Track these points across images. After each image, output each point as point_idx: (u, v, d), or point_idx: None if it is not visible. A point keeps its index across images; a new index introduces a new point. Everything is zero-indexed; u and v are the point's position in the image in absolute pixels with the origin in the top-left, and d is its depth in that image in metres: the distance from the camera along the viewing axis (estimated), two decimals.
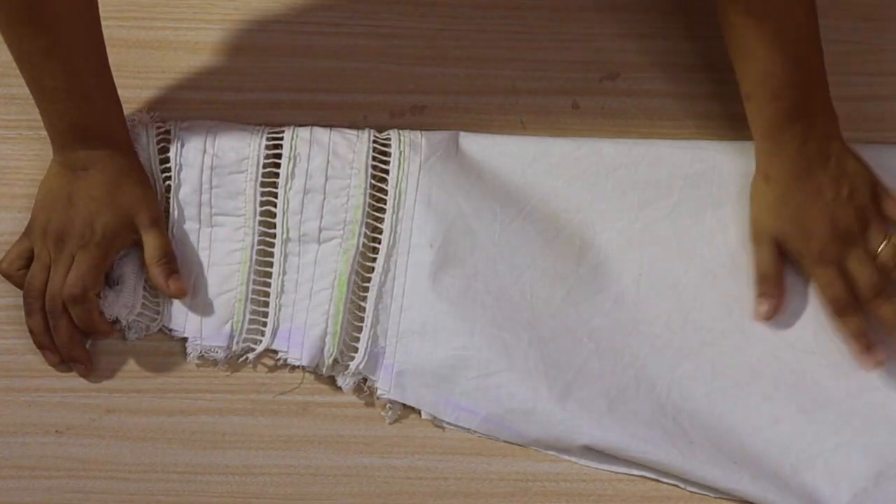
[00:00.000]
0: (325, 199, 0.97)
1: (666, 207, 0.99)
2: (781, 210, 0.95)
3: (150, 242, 0.95)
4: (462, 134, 1.00)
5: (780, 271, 0.96)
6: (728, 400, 0.94)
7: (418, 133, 1.00)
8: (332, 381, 0.95)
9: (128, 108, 0.99)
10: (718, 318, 0.96)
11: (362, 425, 0.95)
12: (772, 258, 0.96)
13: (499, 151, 1.00)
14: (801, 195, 0.94)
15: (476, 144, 1.00)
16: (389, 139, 0.99)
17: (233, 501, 0.93)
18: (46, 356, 0.95)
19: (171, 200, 0.97)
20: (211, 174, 0.97)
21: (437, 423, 0.94)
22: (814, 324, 0.96)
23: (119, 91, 0.96)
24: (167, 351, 0.96)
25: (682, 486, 0.93)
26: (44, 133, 0.95)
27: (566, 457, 0.93)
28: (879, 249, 0.95)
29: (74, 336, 0.94)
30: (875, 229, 0.95)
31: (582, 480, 0.93)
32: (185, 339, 0.96)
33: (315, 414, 0.95)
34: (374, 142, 0.99)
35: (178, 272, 0.96)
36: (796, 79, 0.93)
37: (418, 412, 0.95)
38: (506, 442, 0.94)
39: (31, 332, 0.95)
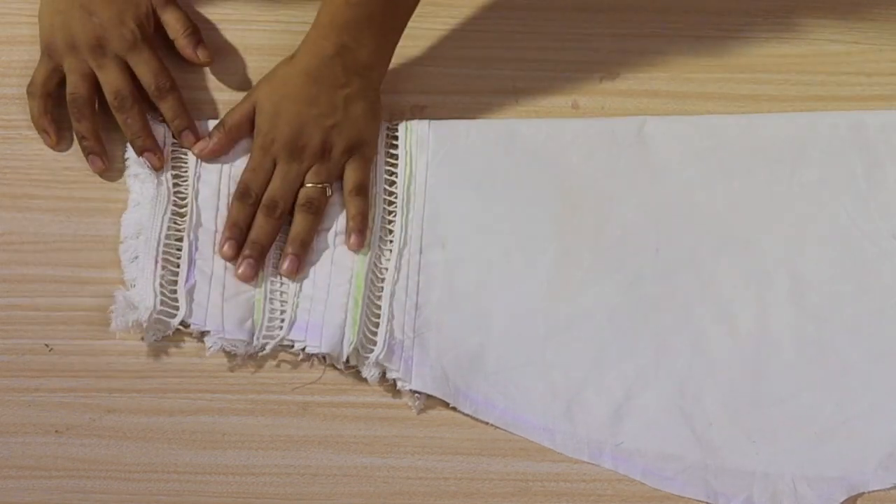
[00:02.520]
0: (339, 210, 0.98)
1: (678, 182, 1.00)
2: (275, 87, 0.97)
3: (170, 19, 1.01)
4: (471, 122, 1.01)
5: (238, 129, 0.98)
6: (750, 372, 0.95)
7: (426, 125, 1.00)
8: (332, 381, 0.95)
9: None
10: (737, 289, 0.97)
11: (362, 425, 0.95)
12: (241, 117, 0.98)
13: (511, 133, 1.00)
14: (298, 89, 0.97)
15: (487, 130, 1.00)
16: (398, 136, 1.00)
17: (233, 501, 0.93)
18: (94, 162, 0.99)
19: (190, 204, 0.98)
20: (229, 179, 0.99)
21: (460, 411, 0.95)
22: (832, 293, 0.97)
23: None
24: (167, 351, 0.96)
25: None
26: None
27: (583, 457, 0.94)
28: (308, 183, 0.97)
29: (146, 125, 0.99)
30: (323, 169, 0.97)
31: (582, 480, 0.93)
32: (183, 340, 0.96)
33: (315, 414, 0.95)
34: (385, 141, 1.00)
35: (203, 41, 1.01)
36: (379, 6, 0.95)
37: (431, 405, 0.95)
38: (519, 437, 0.94)
39: (82, 137, 0.98)
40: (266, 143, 0.97)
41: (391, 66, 1.02)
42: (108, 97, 0.98)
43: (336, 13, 0.95)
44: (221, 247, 0.96)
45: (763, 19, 1.04)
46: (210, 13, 1.04)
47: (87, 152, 0.99)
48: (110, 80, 0.98)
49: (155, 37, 1.00)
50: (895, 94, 1.03)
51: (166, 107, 0.99)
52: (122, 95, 0.98)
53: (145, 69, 0.98)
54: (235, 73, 1.02)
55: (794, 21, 1.04)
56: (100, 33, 0.97)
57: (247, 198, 0.97)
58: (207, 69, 1.03)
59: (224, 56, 1.03)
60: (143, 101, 0.99)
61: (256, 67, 1.02)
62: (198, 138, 0.99)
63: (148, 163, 0.98)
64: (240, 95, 1.01)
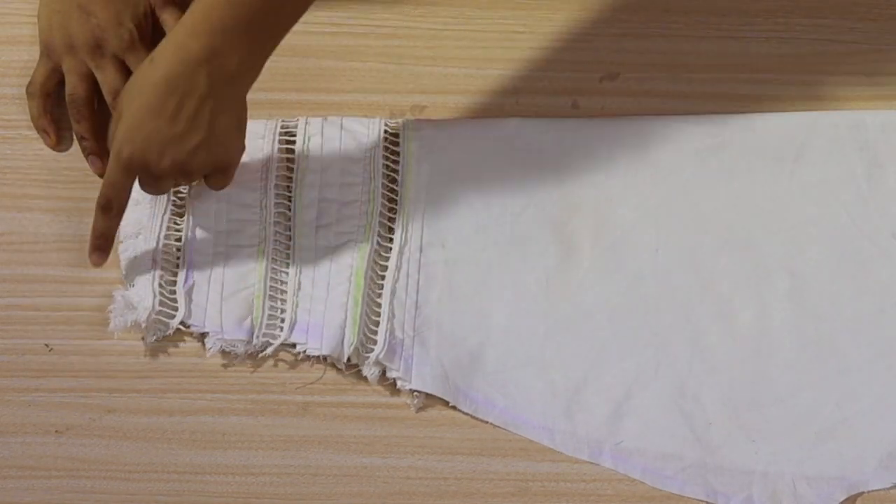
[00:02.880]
0: (339, 207, 0.98)
1: (679, 182, 1.00)
2: (133, 96, 0.89)
3: (169, 19, 1.00)
4: (473, 121, 1.00)
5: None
6: (749, 370, 0.95)
7: (427, 124, 1.00)
8: (332, 381, 0.95)
9: None
10: (737, 288, 0.97)
11: (362, 425, 0.95)
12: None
13: (511, 133, 1.00)
14: (157, 100, 0.87)
15: (487, 130, 1.00)
16: (398, 134, 1.00)
17: (233, 501, 0.93)
18: (94, 163, 0.98)
19: (187, 202, 0.98)
20: None
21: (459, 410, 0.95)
22: (832, 292, 0.97)
23: None
24: (167, 351, 0.96)
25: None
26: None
27: (583, 457, 0.94)
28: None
29: None
30: (185, 185, 0.95)
31: (582, 480, 0.93)
32: (182, 340, 0.96)
33: (315, 414, 0.95)
34: (385, 139, 1.00)
35: None
36: (261, 6, 0.85)
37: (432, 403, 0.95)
38: (519, 437, 0.94)
39: (81, 138, 0.98)
40: (125, 162, 0.90)
41: (391, 66, 1.02)
42: (107, 97, 0.98)
43: (210, 12, 0.86)
44: (90, 256, 0.93)
45: (763, 19, 1.04)
46: None
47: (87, 153, 0.99)
48: (108, 81, 0.98)
49: (154, 37, 1.00)
50: (895, 94, 1.03)
51: None
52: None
53: None
54: None
55: (794, 21, 1.04)
56: (98, 34, 0.97)
57: (109, 211, 0.92)
58: None
59: None
60: None
61: None
62: None
63: None
64: None
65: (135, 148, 0.89)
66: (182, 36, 0.86)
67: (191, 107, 0.87)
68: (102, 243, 0.93)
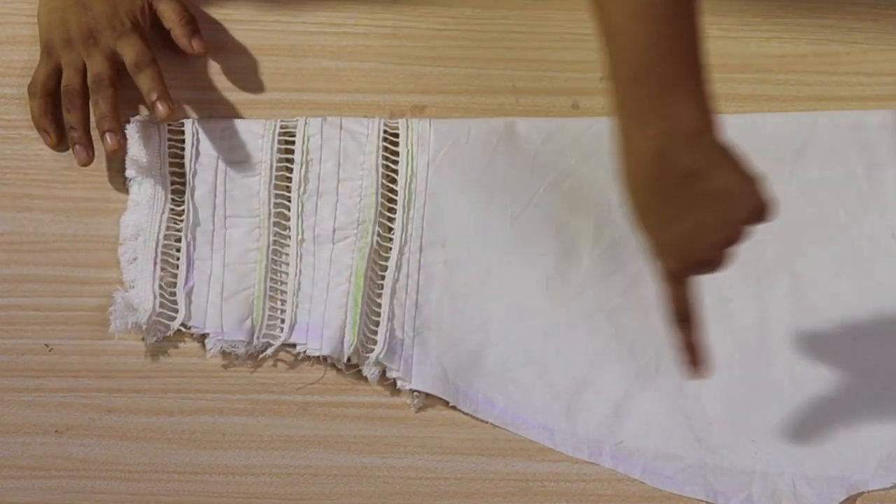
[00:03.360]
0: (338, 200, 0.98)
1: None
2: (629, 206, 0.81)
3: (166, 9, 1.00)
4: (472, 121, 1.00)
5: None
6: (749, 370, 0.95)
7: (427, 123, 1.00)
8: (332, 381, 0.95)
9: (128, 109, 0.99)
10: (736, 288, 0.97)
11: (362, 425, 0.95)
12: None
13: (511, 133, 1.00)
14: (647, 209, 0.80)
15: (487, 130, 1.00)
16: (398, 135, 1.00)
17: (233, 501, 0.93)
18: (79, 153, 0.97)
19: (187, 202, 0.98)
20: (225, 177, 0.98)
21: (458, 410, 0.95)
22: (831, 292, 0.97)
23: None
24: (167, 351, 0.96)
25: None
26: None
27: (583, 456, 0.94)
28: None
29: (115, 110, 0.97)
30: None
31: (582, 480, 0.94)
32: (183, 340, 0.96)
33: (315, 414, 0.95)
34: (384, 139, 0.99)
35: (199, 32, 1.00)
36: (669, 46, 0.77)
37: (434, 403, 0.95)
38: (519, 437, 0.94)
39: (70, 128, 0.97)
40: (675, 276, 0.84)
41: (391, 66, 1.02)
42: (89, 81, 0.97)
43: (631, 87, 0.76)
44: None
45: (763, 19, 1.04)
46: (211, 13, 1.04)
47: (74, 143, 0.98)
48: (94, 66, 0.97)
49: (152, 32, 1.00)
50: (895, 94, 1.03)
51: (144, 78, 0.97)
52: (100, 78, 0.97)
53: (130, 50, 0.97)
54: (236, 73, 1.02)
55: (795, 21, 1.04)
56: (93, 25, 0.98)
57: (686, 322, 0.86)
58: (210, 70, 1.02)
59: (226, 56, 1.03)
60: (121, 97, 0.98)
61: (258, 67, 1.02)
62: (171, 108, 0.96)
63: (107, 145, 0.96)
64: (242, 95, 1.01)
65: (672, 262, 0.83)
66: (623, 137, 0.78)
67: (685, 197, 0.78)
68: (694, 357, 0.86)
